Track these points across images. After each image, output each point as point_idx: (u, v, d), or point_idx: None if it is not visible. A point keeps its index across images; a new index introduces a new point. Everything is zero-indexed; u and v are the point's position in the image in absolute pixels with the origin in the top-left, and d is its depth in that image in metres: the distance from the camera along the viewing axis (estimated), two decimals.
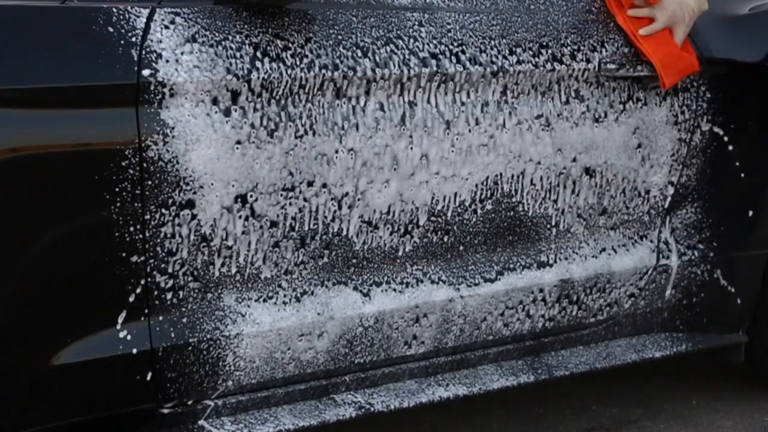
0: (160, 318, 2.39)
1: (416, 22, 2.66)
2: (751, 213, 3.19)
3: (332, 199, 2.55)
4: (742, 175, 3.16)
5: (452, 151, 2.68)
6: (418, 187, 2.65)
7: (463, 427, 3.23)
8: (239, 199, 2.43)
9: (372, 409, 2.68)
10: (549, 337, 2.98)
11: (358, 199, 2.58)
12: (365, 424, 2.99)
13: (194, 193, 2.38)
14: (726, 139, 3.12)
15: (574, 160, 2.88)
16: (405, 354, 2.75)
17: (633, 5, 2.97)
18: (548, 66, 2.80)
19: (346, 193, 2.56)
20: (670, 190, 3.09)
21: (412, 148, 2.63)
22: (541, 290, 2.90)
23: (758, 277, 3.29)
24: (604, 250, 3.00)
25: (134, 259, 2.34)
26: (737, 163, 3.15)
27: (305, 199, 2.52)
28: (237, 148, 2.41)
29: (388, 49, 2.60)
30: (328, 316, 2.59)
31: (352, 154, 2.55)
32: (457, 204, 2.72)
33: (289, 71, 2.46)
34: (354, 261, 2.62)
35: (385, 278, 2.68)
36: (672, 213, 3.12)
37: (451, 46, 2.67)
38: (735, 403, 3.46)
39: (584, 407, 3.42)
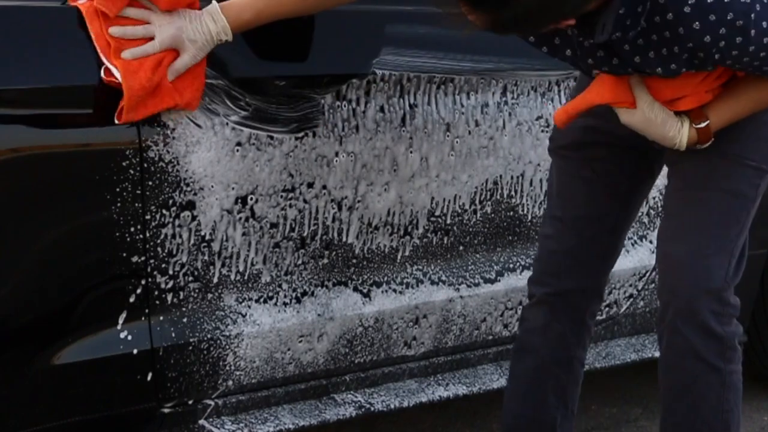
0: (161, 318, 2.39)
1: None
2: None
3: (332, 200, 2.56)
4: None
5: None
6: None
7: (462, 427, 3.23)
8: (239, 201, 2.43)
9: (372, 409, 2.68)
10: None
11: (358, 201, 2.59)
12: (365, 423, 3.00)
13: (194, 194, 2.38)
14: None
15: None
16: (405, 354, 2.75)
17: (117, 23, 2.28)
18: None
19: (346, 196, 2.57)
20: None
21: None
22: None
23: (756, 277, 3.29)
24: None
25: (135, 259, 2.33)
26: None
27: (305, 201, 2.53)
28: (237, 150, 2.42)
29: None
30: (328, 317, 2.60)
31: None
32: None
33: None
34: (354, 261, 2.63)
35: (386, 279, 2.69)
36: None
37: None
38: None
39: (583, 407, 3.42)
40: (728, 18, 2.05)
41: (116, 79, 2.22)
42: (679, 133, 2.25)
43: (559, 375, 2.48)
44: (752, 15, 2.05)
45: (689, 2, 2.05)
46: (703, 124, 2.25)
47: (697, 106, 2.26)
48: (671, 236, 2.31)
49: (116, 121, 2.26)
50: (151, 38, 2.26)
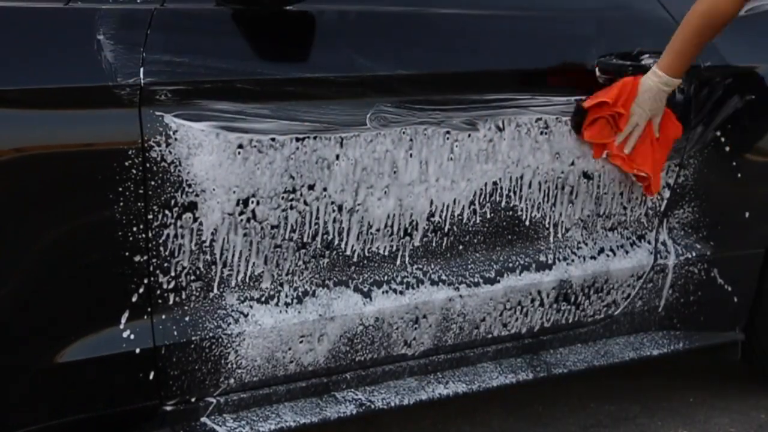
0: (163, 317, 2.39)
1: None
2: (747, 213, 3.21)
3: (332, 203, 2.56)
4: (739, 175, 3.17)
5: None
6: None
7: (462, 425, 3.23)
8: (241, 203, 2.44)
9: (373, 407, 2.69)
10: (547, 336, 2.98)
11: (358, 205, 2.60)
12: (366, 421, 3.00)
13: (197, 195, 2.39)
14: (723, 140, 3.13)
15: (572, 164, 2.89)
16: (405, 352, 2.76)
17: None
18: None
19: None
20: (667, 192, 3.10)
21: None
22: (539, 291, 2.90)
23: (755, 275, 3.29)
24: (602, 251, 3.01)
25: (137, 258, 2.34)
26: (734, 164, 3.16)
27: (306, 203, 2.53)
28: (239, 153, 2.43)
29: None
30: (329, 317, 2.61)
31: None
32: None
33: None
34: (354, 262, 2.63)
35: (386, 278, 2.69)
36: (669, 213, 3.12)
37: None
38: (732, 401, 3.46)
39: (583, 405, 3.42)
40: None
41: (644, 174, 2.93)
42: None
43: None
44: None
45: None
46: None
47: None
48: None
49: (646, 195, 2.99)
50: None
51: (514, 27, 2.84)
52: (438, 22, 2.72)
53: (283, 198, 2.49)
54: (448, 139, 2.66)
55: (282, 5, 2.48)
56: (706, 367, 3.59)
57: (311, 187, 2.52)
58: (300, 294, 2.57)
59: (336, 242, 2.57)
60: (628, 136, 2.89)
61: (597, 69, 2.87)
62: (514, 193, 2.82)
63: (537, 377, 2.94)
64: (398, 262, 2.70)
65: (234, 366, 2.51)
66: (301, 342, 2.58)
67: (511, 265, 2.87)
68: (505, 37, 2.81)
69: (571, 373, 3.00)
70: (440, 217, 2.71)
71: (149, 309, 2.38)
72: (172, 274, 2.39)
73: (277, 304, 2.54)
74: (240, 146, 2.42)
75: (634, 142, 2.89)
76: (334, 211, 2.56)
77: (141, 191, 2.32)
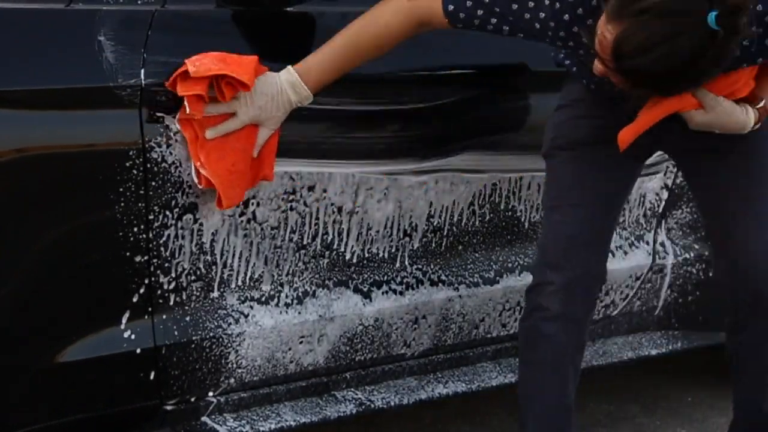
0: (164, 317, 2.40)
1: None
2: None
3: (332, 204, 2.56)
4: None
5: None
6: None
7: (462, 424, 3.23)
8: (241, 204, 2.44)
9: (372, 406, 2.69)
10: None
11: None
12: (366, 420, 3.00)
13: (197, 196, 2.39)
14: None
15: None
16: (404, 352, 2.76)
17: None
18: None
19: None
20: (666, 193, 3.10)
21: None
22: None
23: None
24: None
25: (138, 259, 2.34)
26: None
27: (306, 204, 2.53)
28: None
29: None
30: (329, 317, 2.61)
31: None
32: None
33: None
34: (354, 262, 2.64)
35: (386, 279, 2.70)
36: (668, 214, 3.13)
37: None
38: (729, 400, 3.47)
39: (581, 404, 3.40)
40: None
41: (205, 174, 2.31)
42: (747, 116, 2.38)
43: (575, 359, 2.54)
44: None
45: None
46: (761, 104, 2.40)
47: (749, 91, 2.41)
48: (745, 230, 2.46)
49: (217, 209, 2.36)
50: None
51: None
52: None
53: (282, 199, 2.50)
54: None
55: (282, 7, 2.49)
56: (704, 367, 3.60)
57: (311, 189, 2.53)
58: (300, 294, 2.58)
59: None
60: (219, 118, 2.32)
61: None
62: (513, 194, 2.83)
63: None
64: (398, 263, 2.71)
65: (234, 366, 2.51)
66: (301, 342, 2.58)
67: (510, 265, 2.88)
68: None
69: None
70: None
71: (150, 309, 2.38)
72: (173, 274, 2.40)
73: (277, 305, 2.55)
74: None
75: (222, 132, 2.32)
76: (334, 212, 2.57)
77: (142, 192, 2.32)
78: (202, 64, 2.26)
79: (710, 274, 3.20)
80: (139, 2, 2.36)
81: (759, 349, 2.56)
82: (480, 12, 2.32)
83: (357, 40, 2.35)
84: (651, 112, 2.36)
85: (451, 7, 2.33)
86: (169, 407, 2.46)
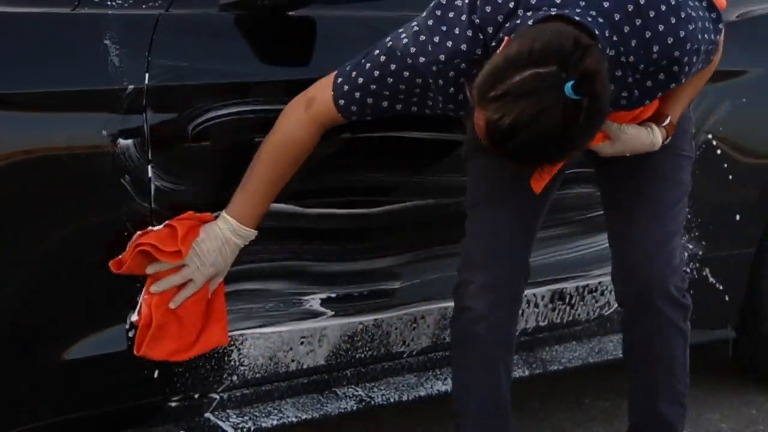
0: None
1: None
2: (737, 215, 3.22)
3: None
4: (730, 177, 3.18)
5: None
6: None
7: None
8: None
9: (372, 403, 2.69)
10: (543, 334, 2.99)
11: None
12: (367, 416, 3.00)
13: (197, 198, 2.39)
14: (714, 143, 3.14)
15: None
16: (404, 350, 2.77)
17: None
18: None
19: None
20: None
21: None
22: (534, 294, 2.92)
23: (745, 275, 3.31)
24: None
25: None
26: (725, 165, 3.17)
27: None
28: None
29: None
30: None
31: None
32: None
33: None
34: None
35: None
36: None
37: None
38: (723, 397, 3.47)
39: (577, 401, 3.43)
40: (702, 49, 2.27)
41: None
42: (654, 136, 2.41)
43: (506, 358, 2.52)
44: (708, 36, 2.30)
45: (686, 48, 2.23)
46: (666, 122, 2.43)
47: (653, 111, 2.43)
48: (636, 228, 2.48)
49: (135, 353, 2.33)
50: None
51: None
52: None
53: None
54: None
55: (284, 11, 2.49)
56: (698, 364, 3.61)
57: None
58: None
59: None
60: (179, 288, 2.36)
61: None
62: None
63: (533, 374, 2.95)
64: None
65: (237, 363, 2.51)
66: (301, 343, 2.59)
67: None
68: None
69: (566, 369, 3.01)
70: None
71: None
72: None
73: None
74: None
75: (184, 298, 2.36)
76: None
77: (145, 192, 2.33)
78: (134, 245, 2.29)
79: (704, 273, 3.21)
80: (143, 6, 2.37)
81: (647, 347, 2.54)
82: (370, 100, 2.31)
83: (275, 166, 2.35)
84: None
85: (342, 102, 2.33)
86: (173, 404, 2.47)
